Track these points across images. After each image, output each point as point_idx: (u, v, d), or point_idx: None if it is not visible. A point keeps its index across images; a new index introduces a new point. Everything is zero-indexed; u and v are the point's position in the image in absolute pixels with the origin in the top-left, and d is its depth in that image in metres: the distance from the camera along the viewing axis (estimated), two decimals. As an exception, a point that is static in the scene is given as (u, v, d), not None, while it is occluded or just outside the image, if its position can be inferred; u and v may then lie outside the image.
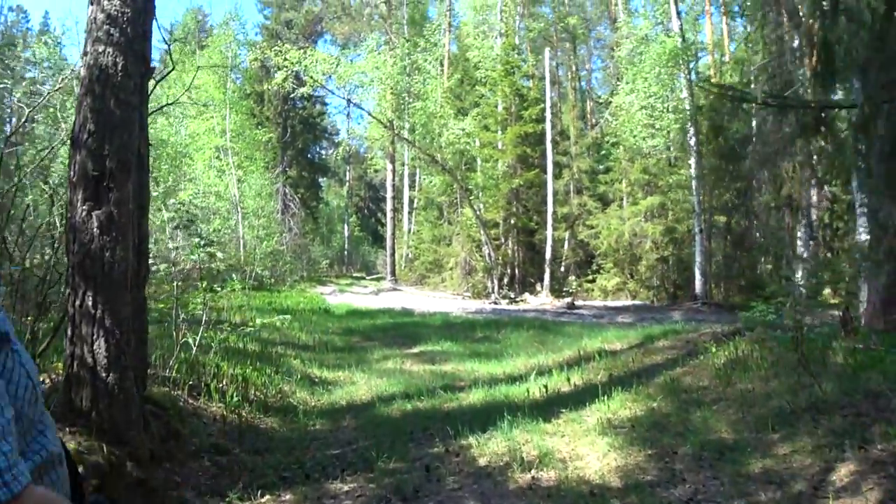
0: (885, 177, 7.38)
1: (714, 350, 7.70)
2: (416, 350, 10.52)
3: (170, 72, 6.30)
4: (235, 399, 5.66)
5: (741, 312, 8.99)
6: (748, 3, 17.65)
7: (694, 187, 19.98)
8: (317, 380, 7.85)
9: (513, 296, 23.61)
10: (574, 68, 38.81)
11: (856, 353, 6.56)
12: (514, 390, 6.93)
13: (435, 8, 36.89)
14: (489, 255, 23.81)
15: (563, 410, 5.91)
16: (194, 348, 6.11)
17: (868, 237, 9.32)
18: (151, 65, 4.35)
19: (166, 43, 6.30)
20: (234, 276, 7.11)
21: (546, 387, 6.79)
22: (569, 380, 7.22)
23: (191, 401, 5.40)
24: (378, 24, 29.91)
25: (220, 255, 7.61)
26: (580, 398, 6.40)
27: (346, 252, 51.23)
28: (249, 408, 5.85)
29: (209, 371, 6.19)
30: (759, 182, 9.86)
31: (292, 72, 19.38)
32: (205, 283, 6.69)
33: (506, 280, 25.19)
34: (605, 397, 6.23)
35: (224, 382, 6.09)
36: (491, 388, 7.03)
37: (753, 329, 8.31)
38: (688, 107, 20.43)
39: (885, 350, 6.67)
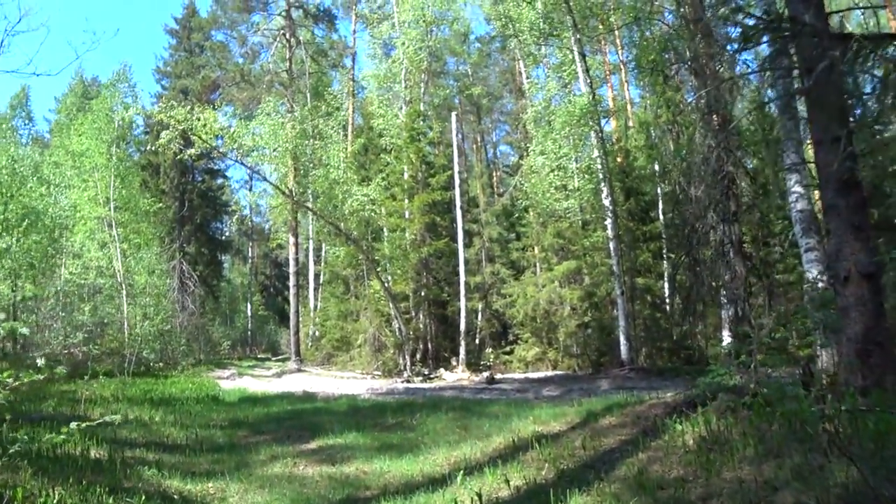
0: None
1: (677, 427, 6.31)
2: (313, 445, 8.61)
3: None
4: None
5: (699, 378, 7.69)
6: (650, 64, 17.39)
7: (612, 249, 19.19)
8: (175, 497, 5.87)
9: (427, 372, 21.93)
10: (479, 138, 38.68)
11: (856, 419, 5.30)
12: (437, 501, 5.25)
13: (338, 81, 36.28)
14: (399, 329, 22.15)
15: (508, 531, 4.31)
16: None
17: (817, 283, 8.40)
18: None
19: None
20: (40, 358, 5.13)
21: (479, 495, 5.12)
22: (507, 481, 5.57)
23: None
24: (278, 92, 28.60)
25: (24, 329, 5.58)
26: (527, 508, 4.83)
27: (249, 332, 48.74)
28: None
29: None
30: (691, 235, 8.95)
31: (178, 131, 17.60)
32: (5, 368, 4.75)
33: (418, 356, 23.52)
34: (560, 504, 4.69)
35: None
36: (406, 500, 5.32)
37: (714, 397, 7.00)
38: (600, 166, 19.82)
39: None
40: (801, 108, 9.80)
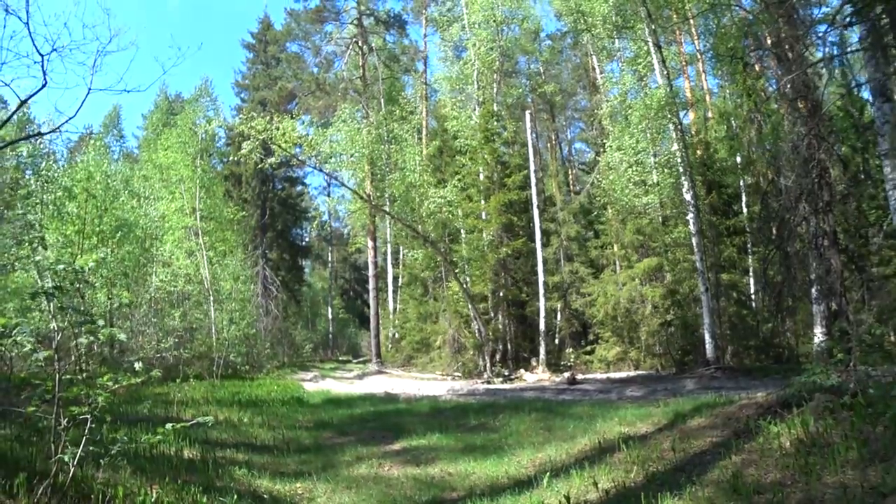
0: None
1: (772, 429, 6.03)
2: (397, 446, 8.69)
3: (41, 88, 4.85)
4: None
5: (794, 378, 7.34)
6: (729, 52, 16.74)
7: (695, 244, 18.54)
8: (265, 496, 6.02)
9: (507, 373, 21.80)
10: (554, 136, 38.24)
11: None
12: (525, 503, 5.21)
13: (411, 86, 36.63)
14: (479, 330, 22.11)
15: (598, 536, 4.22)
16: (72, 465, 4.35)
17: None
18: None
19: (40, 55, 4.70)
20: (137, 363, 5.33)
21: (568, 497, 5.04)
22: (595, 483, 5.47)
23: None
24: (353, 99, 29.10)
25: (122, 335, 5.79)
26: (617, 512, 4.72)
27: (330, 335, 49.74)
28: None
29: (96, 497, 4.44)
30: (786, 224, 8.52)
31: (259, 141, 18.16)
32: (105, 372, 4.96)
33: (498, 356, 23.41)
34: (652, 509, 4.56)
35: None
36: (493, 502, 5.29)
37: (810, 397, 6.65)
38: (680, 160, 19.26)
39: None
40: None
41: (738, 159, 22.34)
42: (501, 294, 24.53)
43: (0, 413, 6.57)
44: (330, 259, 52.95)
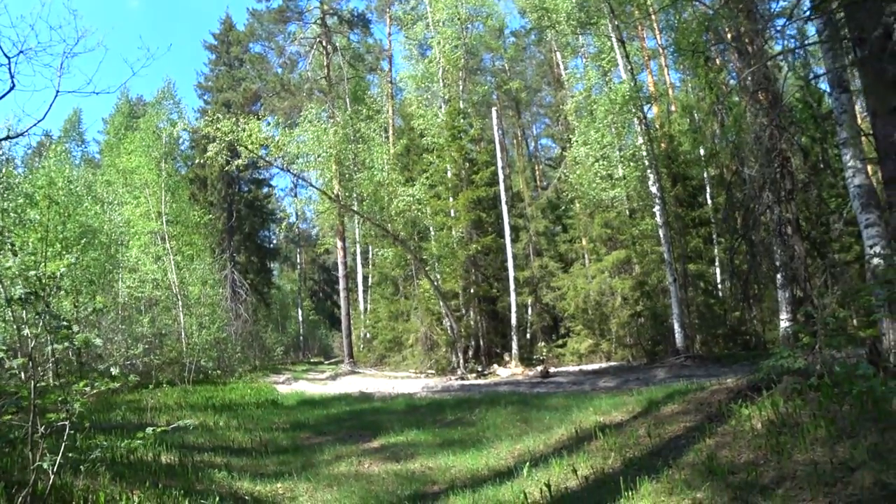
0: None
1: (743, 411, 6.20)
2: (376, 444, 8.72)
3: (9, 91, 4.79)
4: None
5: (763, 362, 7.51)
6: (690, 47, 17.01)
7: (662, 236, 18.87)
8: (247, 498, 6.01)
9: (480, 369, 21.92)
10: (520, 133, 38.47)
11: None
12: (506, 493, 5.27)
13: (376, 85, 36.54)
14: (451, 327, 22.18)
15: (581, 520, 4.32)
16: (51, 472, 4.31)
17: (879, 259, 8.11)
18: None
19: (7, 57, 4.64)
20: (114, 367, 5.29)
21: (548, 485, 5.14)
22: (574, 470, 5.58)
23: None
24: (319, 99, 28.93)
25: (97, 340, 5.74)
26: (597, 497, 4.82)
27: (301, 337, 49.53)
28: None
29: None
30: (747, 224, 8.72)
31: (225, 143, 18.02)
32: (79, 378, 4.92)
33: (471, 353, 23.54)
34: (630, 492, 4.67)
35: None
36: (475, 493, 5.35)
37: (778, 380, 6.84)
38: (645, 153, 19.55)
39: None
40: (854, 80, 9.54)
41: (702, 152, 22.74)
42: (472, 290, 24.63)
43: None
44: (299, 261, 52.63)
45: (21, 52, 4.98)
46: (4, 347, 5.79)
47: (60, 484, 4.69)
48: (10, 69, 4.77)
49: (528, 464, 6.05)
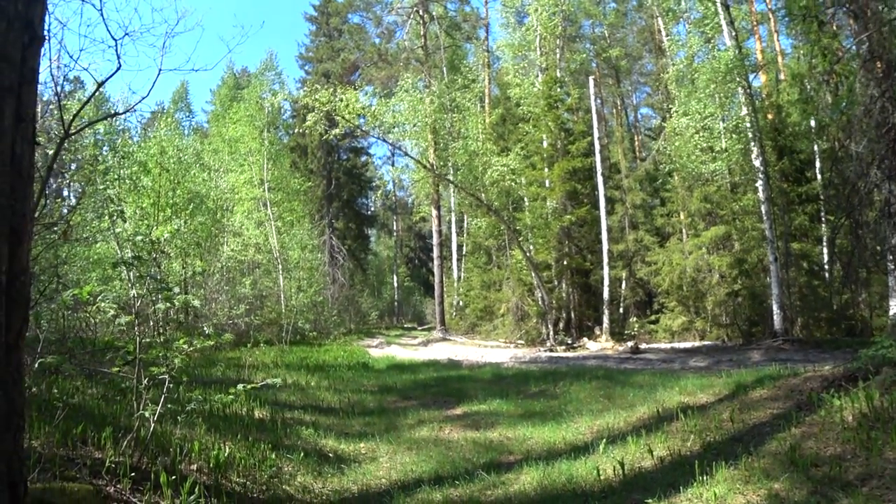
0: None
1: (835, 402, 5.95)
2: (458, 411, 8.91)
3: (116, 71, 5.11)
4: (196, 493, 4.11)
5: (861, 351, 7.15)
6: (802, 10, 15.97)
7: (764, 212, 18.05)
8: (330, 455, 6.34)
9: (570, 342, 21.84)
10: (619, 102, 37.46)
11: None
12: (579, 468, 5.31)
13: (473, 54, 36.34)
14: (542, 298, 22.13)
15: (650, 501, 4.30)
16: (152, 420, 4.68)
17: None
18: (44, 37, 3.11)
19: (114, 39, 4.94)
20: (208, 327, 5.67)
21: (622, 463, 5.15)
22: (650, 451, 5.55)
23: (132, 498, 3.94)
24: (415, 69, 29.13)
25: (196, 302, 6.14)
26: (670, 479, 4.77)
27: (396, 303, 50.58)
28: (217, 505, 4.37)
29: (174, 451, 4.78)
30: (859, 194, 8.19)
31: (323, 113, 18.54)
32: (180, 336, 5.29)
33: (561, 325, 23.46)
34: (705, 477, 4.61)
35: (192, 466, 4.70)
36: (548, 465, 5.41)
37: (877, 371, 6.51)
38: (749, 125, 18.68)
39: None
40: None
41: (813, 123, 21.50)
42: (565, 262, 24.45)
43: (87, 374, 7.06)
44: (395, 228, 53.61)
45: (126, 33, 5.28)
46: (115, 305, 6.29)
47: (160, 431, 5.08)
48: (116, 50, 5.07)
49: (605, 440, 6.05)
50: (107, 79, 5.48)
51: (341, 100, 18.59)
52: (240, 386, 5.31)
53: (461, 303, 31.98)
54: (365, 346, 22.20)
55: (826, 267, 19.97)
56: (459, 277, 34.52)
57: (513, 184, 22.94)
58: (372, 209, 49.48)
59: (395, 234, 53.83)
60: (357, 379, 12.66)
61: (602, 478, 5.01)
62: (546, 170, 24.42)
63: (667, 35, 25.38)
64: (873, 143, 7.80)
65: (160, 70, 5.49)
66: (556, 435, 6.90)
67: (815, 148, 21.59)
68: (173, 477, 4.20)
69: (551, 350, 20.17)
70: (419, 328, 39.77)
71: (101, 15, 5.17)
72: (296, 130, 29.38)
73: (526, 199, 25.15)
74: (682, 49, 22.77)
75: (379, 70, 33.78)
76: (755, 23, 24.96)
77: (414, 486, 5.22)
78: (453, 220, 36.32)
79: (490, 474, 5.30)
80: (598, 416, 7.68)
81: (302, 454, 5.90)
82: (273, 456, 5.65)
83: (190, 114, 49.44)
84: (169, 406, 5.16)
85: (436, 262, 30.41)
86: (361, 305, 37.17)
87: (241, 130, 26.08)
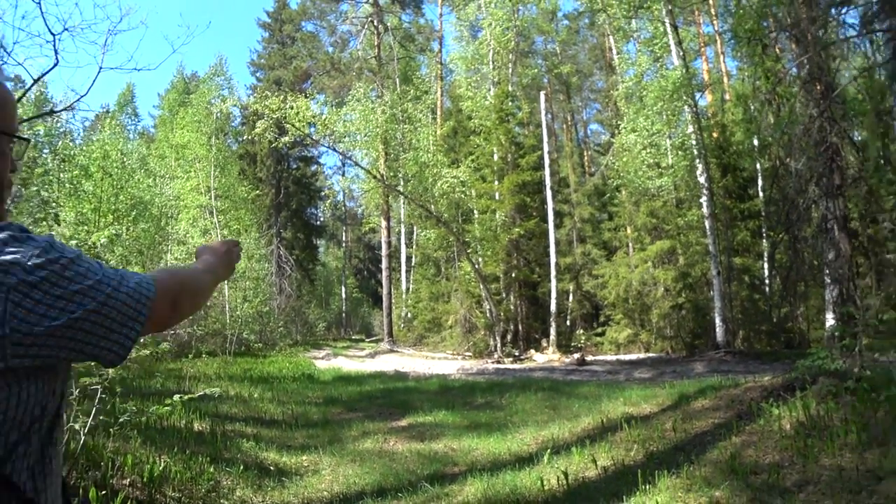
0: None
1: (774, 411, 6.07)
2: (404, 422, 8.80)
3: (53, 67, 4.91)
4: (127, 509, 3.94)
5: (799, 361, 7.32)
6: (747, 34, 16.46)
7: (708, 227, 18.49)
8: (271, 468, 6.15)
9: (517, 353, 21.90)
10: (569, 117, 38.04)
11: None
12: (524, 479, 5.26)
13: (426, 65, 36.43)
14: (490, 310, 22.17)
15: (594, 511, 4.29)
16: (83, 433, 4.47)
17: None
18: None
19: (52, 34, 4.75)
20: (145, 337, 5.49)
21: (566, 473, 5.13)
22: (594, 460, 5.55)
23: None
24: (368, 79, 29.02)
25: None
26: (613, 488, 4.77)
27: (344, 314, 50.07)
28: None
29: (105, 464, 4.57)
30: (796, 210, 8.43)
31: (273, 120, 18.28)
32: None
33: (509, 337, 23.53)
34: (648, 486, 4.63)
35: (124, 481, 4.49)
36: (493, 476, 5.35)
37: (814, 381, 6.66)
38: (695, 142, 19.13)
39: None
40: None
41: (756, 142, 22.13)
42: (513, 275, 24.56)
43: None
44: (344, 238, 53.18)
45: (66, 28, 5.10)
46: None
47: (92, 445, 4.85)
48: (54, 46, 4.89)
49: (549, 451, 6.03)
50: (43, 74, 5.28)
51: (292, 107, 18.38)
52: (176, 397, 5.13)
53: (409, 314, 31.82)
54: (311, 358, 21.84)
55: (767, 281, 20.50)
56: (408, 289, 34.36)
57: (462, 196, 22.96)
58: (321, 219, 48.95)
59: (344, 244, 53.39)
60: (302, 391, 12.42)
61: (546, 488, 4.98)
62: (496, 182, 24.54)
63: (617, 53, 25.86)
64: (812, 160, 8.03)
65: (101, 68, 5.31)
66: (501, 446, 6.85)
67: (758, 166, 22.20)
68: (104, 492, 4.03)
69: (499, 362, 20.19)
70: (367, 340, 39.43)
71: (40, 8, 4.99)
72: (245, 137, 28.91)
73: (475, 211, 25.22)
74: (631, 67, 23.21)
75: (331, 79, 33.59)
76: (702, 44, 25.67)
77: (356, 498, 5.10)
78: (403, 231, 36.21)
79: (434, 486, 5.21)
80: (543, 427, 7.67)
81: (242, 467, 5.71)
82: (211, 469, 5.45)
83: (136, 118, 48.27)
84: (101, 418, 4.95)
85: (384, 274, 30.19)
86: (309, 316, 36.63)
87: (189, 136, 25.53)
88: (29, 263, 0.99)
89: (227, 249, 1.61)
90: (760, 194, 21.69)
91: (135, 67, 6.07)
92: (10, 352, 0.96)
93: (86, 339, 1.04)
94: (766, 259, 20.93)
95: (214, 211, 24.14)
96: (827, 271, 9.22)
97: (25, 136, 1.27)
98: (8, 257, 0.98)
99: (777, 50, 17.21)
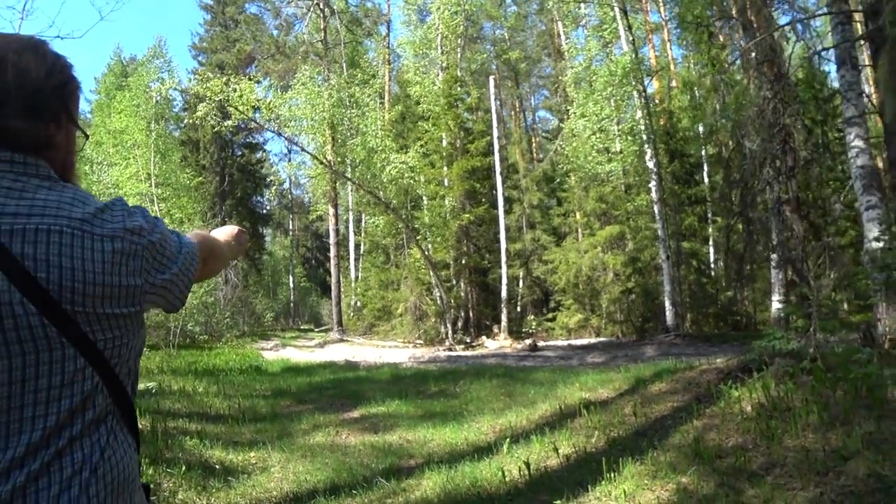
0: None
1: (733, 393, 6.01)
2: (356, 414, 8.51)
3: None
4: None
5: (755, 342, 7.30)
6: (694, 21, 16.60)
7: (656, 212, 18.63)
8: (217, 467, 5.80)
9: (469, 340, 21.79)
10: (518, 103, 38.01)
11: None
12: (484, 470, 5.05)
13: (373, 50, 35.89)
14: (441, 297, 21.99)
15: (558, 502, 4.10)
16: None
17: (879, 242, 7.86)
18: None
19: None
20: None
21: (528, 463, 4.94)
22: (556, 449, 5.38)
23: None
24: (314, 63, 28.37)
25: None
26: (577, 477, 4.61)
27: (292, 304, 49.34)
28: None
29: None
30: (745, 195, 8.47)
31: (215, 103, 17.63)
32: None
33: (460, 324, 23.39)
34: (612, 474, 4.47)
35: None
36: (451, 469, 5.13)
37: (770, 362, 6.64)
38: (643, 128, 19.24)
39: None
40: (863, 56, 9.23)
41: (701, 129, 22.42)
42: (463, 261, 24.42)
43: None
44: (291, 227, 52.32)
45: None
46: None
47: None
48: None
49: (508, 440, 5.84)
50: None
51: (235, 90, 17.78)
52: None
53: (359, 303, 31.44)
54: (259, 349, 21.29)
55: (713, 265, 20.85)
56: (357, 277, 33.95)
57: (411, 182, 22.69)
58: (267, 207, 47.94)
59: (291, 233, 52.51)
60: (249, 383, 11.99)
61: (508, 479, 4.78)
62: (445, 168, 24.31)
63: (566, 39, 25.86)
64: (765, 142, 8.02)
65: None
66: (457, 436, 6.63)
67: (704, 152, 22.52)
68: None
69: (450, 349, 20.03)
70: (316, 330, 38.90)
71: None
72: (186, 122, 27.96)
73: (424, 197, 24.95)
74: (580, 53, 23.24)
75: (276, 63, 32.74)
76: (650, 31, 25.82)
77: (308, 497, 4.80)
78: (351, 218, 35.67)
79: (390, 481, 4.96)
80: (499, 415, 7.49)
81: (184, 468, 5.35)
82: (150, 471, 5.09)
83: (70, 102, 46.35)
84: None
85: (333, 262, 29.67)
86: (256, 307, 35.81)
87: (126, 121, 24.55)
88: (147, 227, 1.17)
89: (239, 232, 1.77)
90: (706, 180, 22.01)
91: (58, 35, 5.60)
92: (143, 299, 1.14)
93: (173, 290, 1.22)
94: (711, 244, 21.31)
95: (155, 199, 23.32)
96: (777, 253, 9.29)
97: (87, 132, 1.40)
98: (136, 223, 1.15)
99: (721, 38, 17.41)
